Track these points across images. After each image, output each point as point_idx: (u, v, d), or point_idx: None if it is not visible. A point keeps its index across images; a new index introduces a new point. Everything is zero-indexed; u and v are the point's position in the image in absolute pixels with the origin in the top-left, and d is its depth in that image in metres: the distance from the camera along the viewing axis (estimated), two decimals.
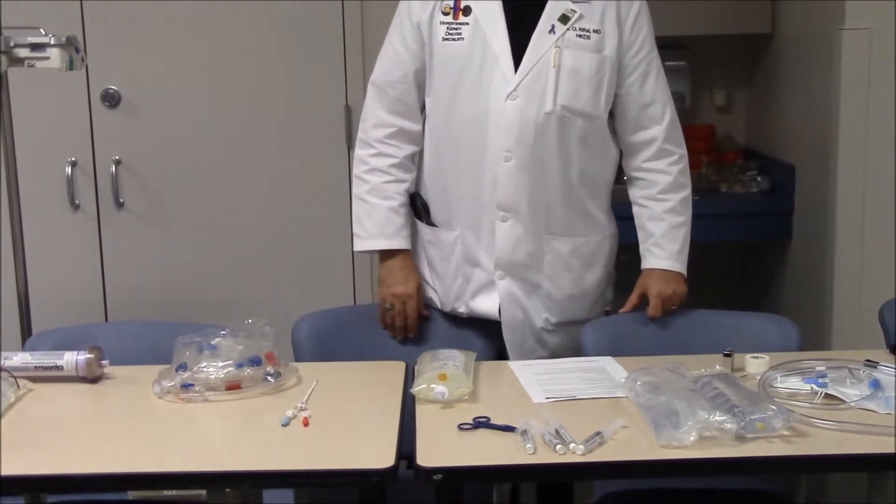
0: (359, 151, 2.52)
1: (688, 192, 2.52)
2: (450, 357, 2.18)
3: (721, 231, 3.56)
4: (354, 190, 2.52)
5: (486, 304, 2.52)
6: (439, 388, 2.04)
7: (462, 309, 2.55)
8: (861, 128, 3.12)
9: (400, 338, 2.54)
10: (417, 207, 2.55)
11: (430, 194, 2.54)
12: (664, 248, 2.49)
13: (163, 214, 3.59)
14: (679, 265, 2.50)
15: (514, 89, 2.38)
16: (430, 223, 2.55)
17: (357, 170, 2.52)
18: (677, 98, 3.82)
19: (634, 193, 2.54)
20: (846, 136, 3.13)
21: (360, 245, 2.53)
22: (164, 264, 3.60)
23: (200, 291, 3.61)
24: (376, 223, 2.49)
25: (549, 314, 2.52)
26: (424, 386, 2.05)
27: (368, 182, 2.50)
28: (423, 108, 2.51)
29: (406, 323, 2.52)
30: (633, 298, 2.51)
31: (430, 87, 2.47)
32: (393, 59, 2.48)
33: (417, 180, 2.55)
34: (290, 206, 3.60)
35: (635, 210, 2.54)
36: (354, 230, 2.53)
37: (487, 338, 2.57)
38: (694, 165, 3.73)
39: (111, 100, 3.51)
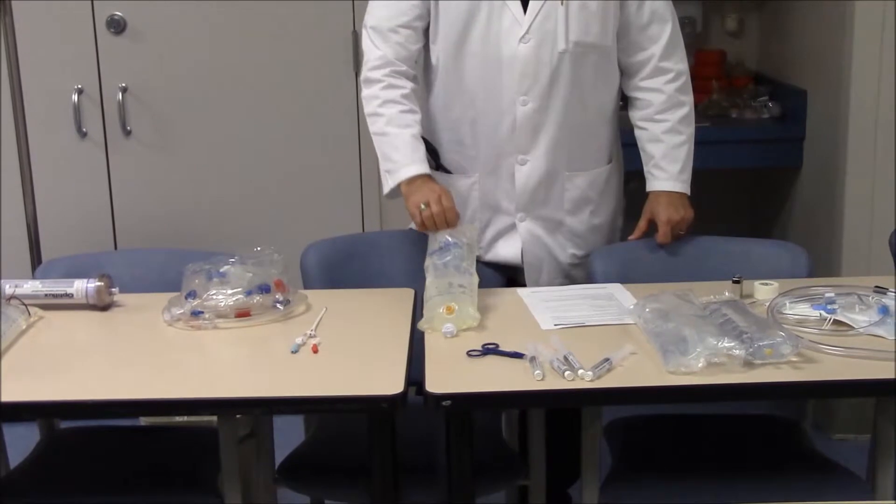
0: (366, 91, 2.43)
1: (687, 109, 2.49)
2: (454, 265, 2.15)
3: (731, 157, 3.54)
4: (372, 128, 2.43)
5: (508, 250, 2.52)
6: (448, 327, 2.04)
7: (479, 254, 2.54)
8: (875, 52, 3.08)
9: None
10: (427, 153, 2.51)
11: (443, 142, 2.51)
12: (665, 169, 2.48)
13: (170, 142, 3.58)
14: (681, 185, 2.48)
15: (527, 32, 2.35)
16: (440, 168, 2.52)
17: (369, 108, 2.43)
18: (688, 23, 3.80)
19: (634, 115, 2.52)
20: (859, 60, 3.09)
21: (392, 179, 2.38)
22: (172, 192, 3.60)
23: (209, 219, 3.61)
24: (404, 153, 2.38)
25: (575, 248, 2.52)
26: (431, 324, 2.07)
27: (384, 115, 2.41)
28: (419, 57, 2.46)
29: (447, 217, 2.29)
30: (641, 224, 2.51)
31: (436, 35, 2.43)
32: (397, 4, 2.40)
33: (427, 128, 2.49)
34: (299, 132, 3.58)
35: (636, 133, 2.52)
36: (384, 167, 2.41)
37: (498, 270, 2.56)
38: (704, 91, 3.70)
39: (117, 26, 3.47)
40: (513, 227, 2.50)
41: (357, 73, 3.46)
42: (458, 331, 2.04)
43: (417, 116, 2.43)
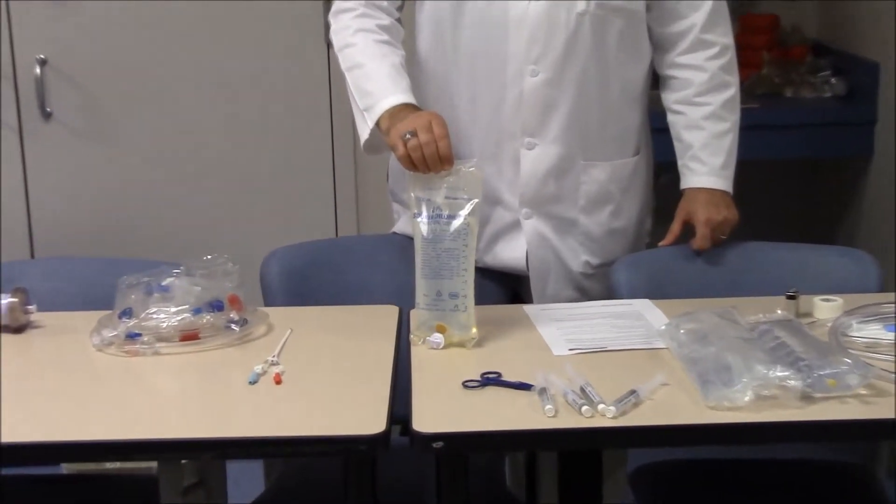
0: (335, 25, 2.44)
1: (733, 91, 2.52)
2: (447, 254, 2.13)
3: (785, 146, 3.55)
4: (344, 65, 2.41)
5: (511, 252, 2.53)
6: (436, 338, 2.10)
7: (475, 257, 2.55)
8: None
9: (437, 172, 2.17)
10: None
11: None
12: (705, 162, 2.50)
13: (101, 127, 3.58)
14: (724, 182, 2.50)
15: None
16: None
17: (339, 40, 2.43)
18: None
19: (668, 97, 2.55)
20: None
21: (371, 116, 2.30)
22: (103, 188, 3.60)
23: (148, 221, 3.61)
24: (384, 83, 2.33)
25: (589, 255, 2.54)
26: (420, 336, 2.13)
27: (356, 44, 2.40)
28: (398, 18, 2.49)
29: (438, 147, 2.15)
30: (674, 227, 2.52)
31: None
32: None
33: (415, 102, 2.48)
34: (258, 118, 3.59)
35: (670, 118, 2.55)
36: (360, 106, 2.35)
37: (500, 282, 2.58)
38: (752, 65, 3.71)
39: None
40: (516, 224, 2.52)
41: (329, 46, 3.47)
42: (448, 345, 2.09)
43: (398, 52, 2.41)
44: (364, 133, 2.35)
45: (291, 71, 3.56)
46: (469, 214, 2.11)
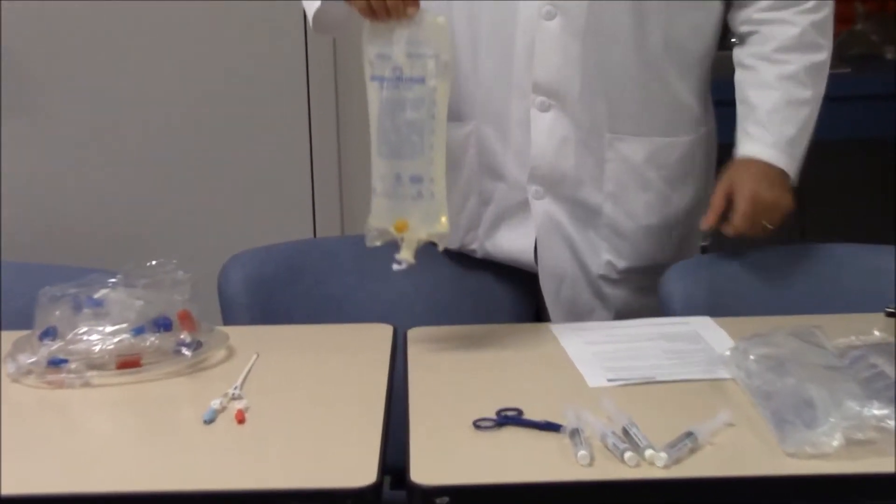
0: None
1: (823, 56, 2.50)
2: (408, 125, 2.17)
3: (883, 121, 3.55)
4: None
5: (516, 241, 2.55)
6: (399, 261, 2.15)
7: (475, 245, 2.56)
8: None
9: (398, 19, 2.18)
10: None
11: None
12: (769, 129, 2.47)
13: (38, 107, 3.59)
14: (787, 160, 2.47)
15: None
16: None
17: None
18: None
19: (741, 52, 2.53)
20: None
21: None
22: (32, 178, 3.62)
23: (82, 218, 3.62)
24: None
25: (615, 255, 2.54)
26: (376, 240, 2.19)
27: None
28: None
29: None
30: (715, 201, 2.45)
31: None
32: None
33: None
34: (220, 96, 3.61)
35: (738, 76, 2.53)
36: None
37: (519, 289, 2.59)
38: (842, 19, 3.70)
39: None
40: (524, 206, 2.52)
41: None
42: (417, 245, 2.15)
43: None
44: (312, 7, 2.37)
45: (265, 58, 3.58)
46: (436, 76, 2.13)
